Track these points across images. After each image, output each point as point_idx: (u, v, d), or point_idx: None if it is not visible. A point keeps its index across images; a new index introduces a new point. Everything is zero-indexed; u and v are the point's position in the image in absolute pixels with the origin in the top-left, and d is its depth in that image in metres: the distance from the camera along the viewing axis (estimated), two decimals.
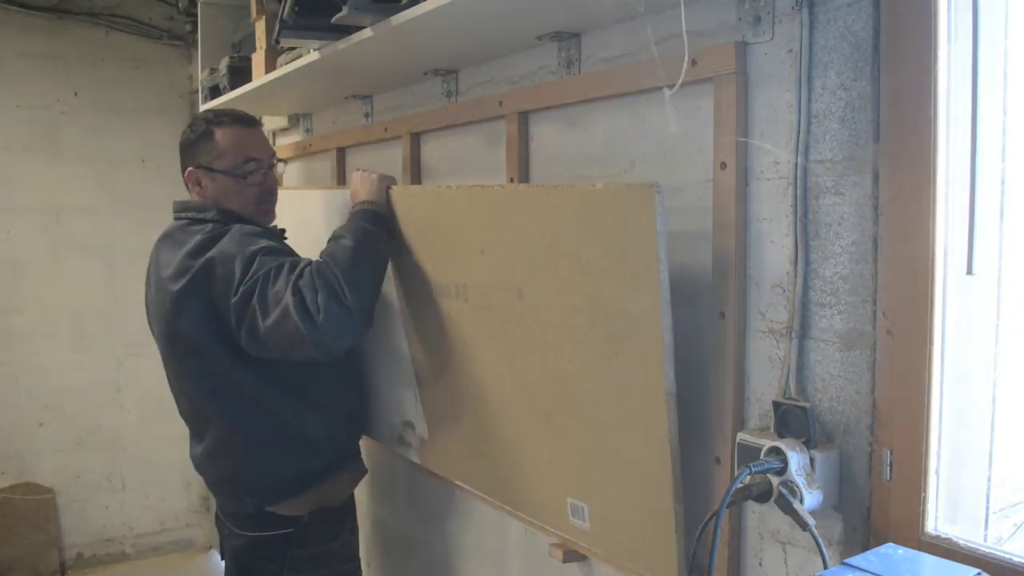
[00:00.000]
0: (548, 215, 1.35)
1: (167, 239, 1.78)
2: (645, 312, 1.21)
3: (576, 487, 1.42)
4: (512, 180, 1.72)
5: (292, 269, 1.54)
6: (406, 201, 1.67)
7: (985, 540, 1.07)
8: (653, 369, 1.22)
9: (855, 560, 0.94)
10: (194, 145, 1.79)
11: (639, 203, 1.19)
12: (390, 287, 1.81)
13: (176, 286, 1.65)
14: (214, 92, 2.53)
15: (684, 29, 1.22)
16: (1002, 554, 0.98)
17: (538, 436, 1.49)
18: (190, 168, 1.79)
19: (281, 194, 1.92)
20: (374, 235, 1.59)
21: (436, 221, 1.63)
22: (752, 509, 1.26)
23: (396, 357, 1.88)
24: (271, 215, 1.87)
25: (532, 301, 1.42)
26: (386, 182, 1.67)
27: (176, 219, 1.81)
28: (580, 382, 1.35)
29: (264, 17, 2.12)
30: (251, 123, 1.82)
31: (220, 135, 1.77)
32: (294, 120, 2.85)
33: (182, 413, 1.87)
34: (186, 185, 1.83)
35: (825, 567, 1.04)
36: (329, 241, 1.59)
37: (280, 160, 1.92)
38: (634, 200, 1.20)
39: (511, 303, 1.47)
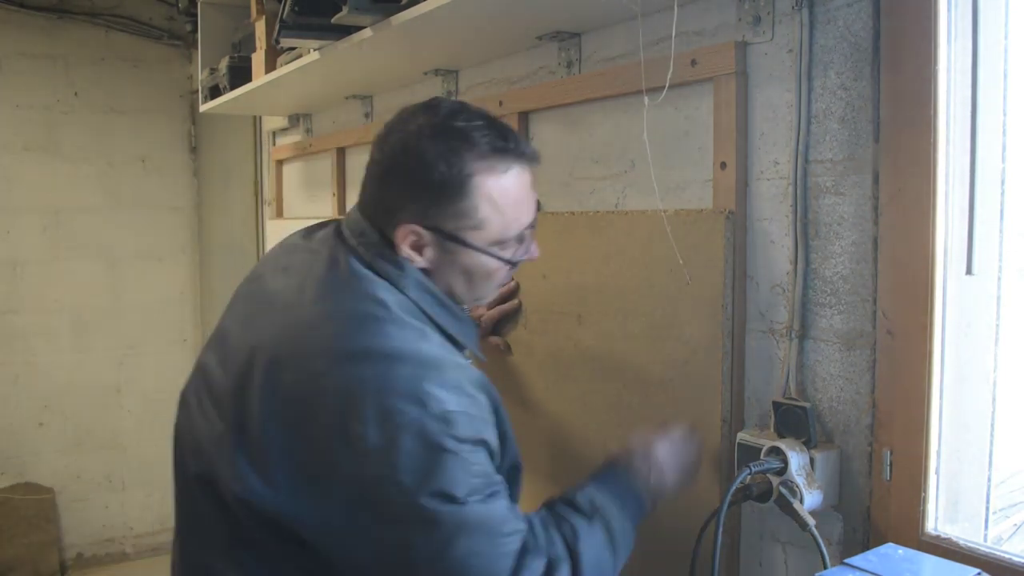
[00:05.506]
0: (617, 240, 1.37)
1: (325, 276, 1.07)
2: (706, 338, 1.23)
3: None
4: None
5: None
6: None
7: (985, 540, 1.07)
8: (709, 395, 1.23)
9: (855, 560, 0.94)
10: (437, 192, 1.03)
11: (708, 229, 1.22)
12: None
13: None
14: (214, 92, 2.53)
15: (674, 33, 1.22)
16: (1002, 554, 0.98)
17: (586, 464, 1.47)
18: (408, 226, 1.05)
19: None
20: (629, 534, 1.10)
21: None
22: (752, 509, 1.26)
23: None
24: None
25: (593, 326, 1.44)
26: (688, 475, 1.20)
27: (347, 246, 1.09)
28: (635, 407, 1.36)
29: (264, 17, 2.12)
30: (534, 158, 1.09)
31: (491, 189, 1.03)
32: (294, 120, 2.85)
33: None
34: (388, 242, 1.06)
35: (825, 567, 1.04)
36: (594, 513, 1.07)
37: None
38: (703, 226, 1.22)
39: (570, 329, 1.49)
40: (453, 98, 1.95)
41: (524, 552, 0.98)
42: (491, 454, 1.00)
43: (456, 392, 0.96)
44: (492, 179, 1.03)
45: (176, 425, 1.18)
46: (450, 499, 0.93)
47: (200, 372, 1.15)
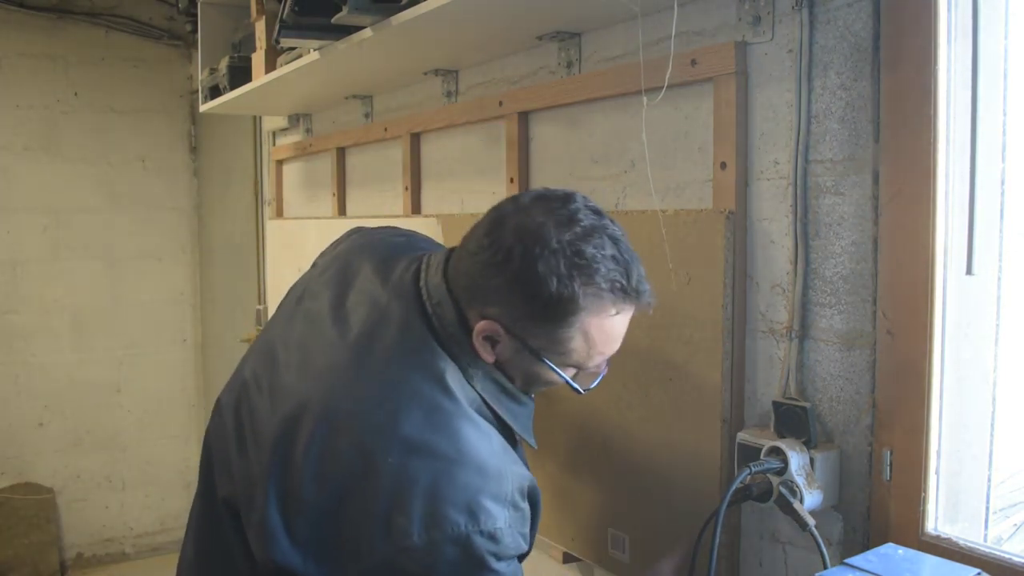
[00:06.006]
0: None
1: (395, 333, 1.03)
2: (707, 338, 1.23)
3: (619, 516, 1.41)
4: (512, 181, 1.72)
5: None
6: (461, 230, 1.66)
7: (985, 540, 1.07)
8: (709, 395, 1.24)
9: (855, 560, 0.94)
10: (539, 312, 0.97)
11: (708, 228, 1.22)
12: None
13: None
14: (214, 92, 2.53)
15: (674, 33, 1.22)
16: (1002, 554, 0.98)
17: (586, 463, 1.48)
18: (493, 324, 1.00)
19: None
20: None
21: None
22: (752, 509, 1.26)
23: None
24: None
25: None
26: None
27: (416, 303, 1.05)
28: (635, 407, 1.36)
29: (264, 17, 2.12)
30: (648, 303, 1.02)
31: (591, 327, 0.98)
32: (294, 120, 2.85)
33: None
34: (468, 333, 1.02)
35: (825, 567, 1.04)
36: None
37: None
38: (703, 226, 1.22)
39: None
40: (453, 99, 1.94)
41: None
42: (523, 558, 1.00)
43: (509, 507, 0.95)
44: (597, 319, 0.97)
45: (208, 432, 1.16)
46: None
47: (242, 388, 1.11)
